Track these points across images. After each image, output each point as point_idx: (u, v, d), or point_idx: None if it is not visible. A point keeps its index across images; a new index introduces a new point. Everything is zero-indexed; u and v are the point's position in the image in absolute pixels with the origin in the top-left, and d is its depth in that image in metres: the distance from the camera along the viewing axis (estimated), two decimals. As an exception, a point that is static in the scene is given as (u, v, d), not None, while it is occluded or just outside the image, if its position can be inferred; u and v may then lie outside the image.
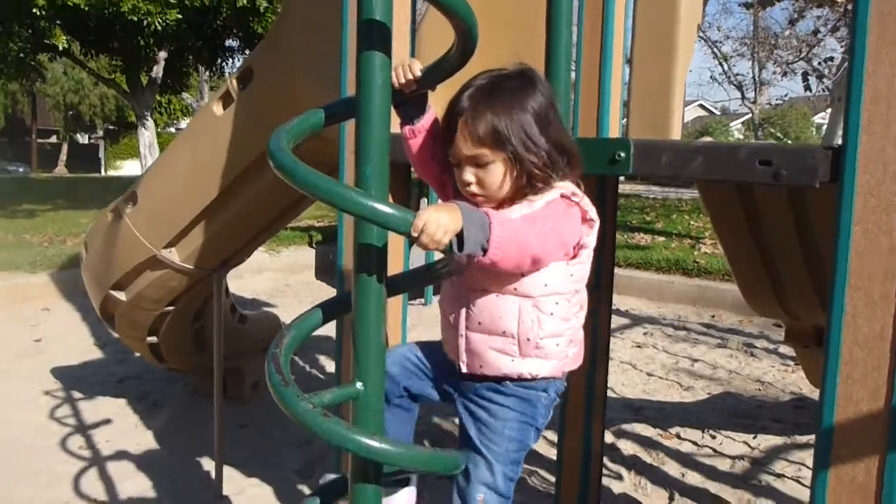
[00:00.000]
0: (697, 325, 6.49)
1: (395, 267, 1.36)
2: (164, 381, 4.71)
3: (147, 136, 13.56)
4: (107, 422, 4.06)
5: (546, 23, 1.55)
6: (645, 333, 6.20)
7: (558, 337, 1.34)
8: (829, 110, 14.62)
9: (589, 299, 1.44)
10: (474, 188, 1.31)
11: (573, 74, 2.08)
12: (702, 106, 38.23)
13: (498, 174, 1.30)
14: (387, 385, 1.42)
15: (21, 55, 11.84)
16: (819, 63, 12.09)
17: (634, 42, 2.20)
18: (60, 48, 10.83)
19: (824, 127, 22.47)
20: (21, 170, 33.62)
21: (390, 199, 1.17)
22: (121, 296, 3.44)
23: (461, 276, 1.36)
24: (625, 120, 2.30)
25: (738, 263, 3.02)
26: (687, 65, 2.31)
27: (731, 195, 2.48)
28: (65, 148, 38.76)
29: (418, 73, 1.28)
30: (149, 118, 13.70)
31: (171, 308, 3.55)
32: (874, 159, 1.27)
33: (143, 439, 3.85)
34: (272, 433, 3.87)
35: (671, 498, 3.27)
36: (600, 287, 2.23)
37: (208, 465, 3.51)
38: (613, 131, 2.23)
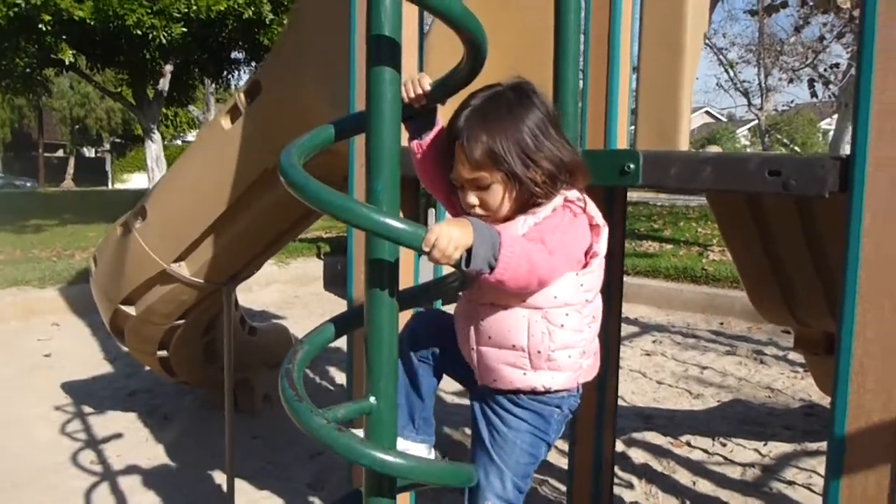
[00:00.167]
0: (706, 332, 6.48)
1: (405, 280, 1.36)
2: (174, 395, 4.72)
3: (154, 149, 13.63)
4: (118, 436, 4.08)
5: (554, 31, 1.56)
6: (654, 341, 6.19)
7: (571, 349, 1.33)
8: (835, 116, 14.60)
9: (600, 308, 1.43)
10: (478, 210, 1.31)
11: (580, 83, 2.09)
12: (708, 113, 38.20)
13: (499, 194, 1.29)
14: (415, 344, 1.42)
15: (27, 70, 11.94)
16: (825, 69, 12.07)
17: (641, 50, 2.20)
18: (67, 62, 10.90)
19: (831, 133, 22.41)
20: (28, 184, 33.80)
21: (401, 214, 1.18)
22: (130, 310, 3.46)
23: (471, 291, 1.36)
24: (632, 127, 2.30)
25: (747, 271, 3.01)
26: (694, 72, 2.31)
27: (739, 204, 2.48)
28: (72, 162, 38.95)
29: (427, 88, 1.29)
30: (155, 131, 13.77)
31: (180, 322, 3.56)
32: (884, 170, 1.27)
33: (154, 453, 3.86)
34: (283, 446, 3.88)
35: (683, 507, 3.27)
36: (610, 296, 2.23)
37: (220, 478, 3.52)
38: (621, 139, 2.24)
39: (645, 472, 3.60)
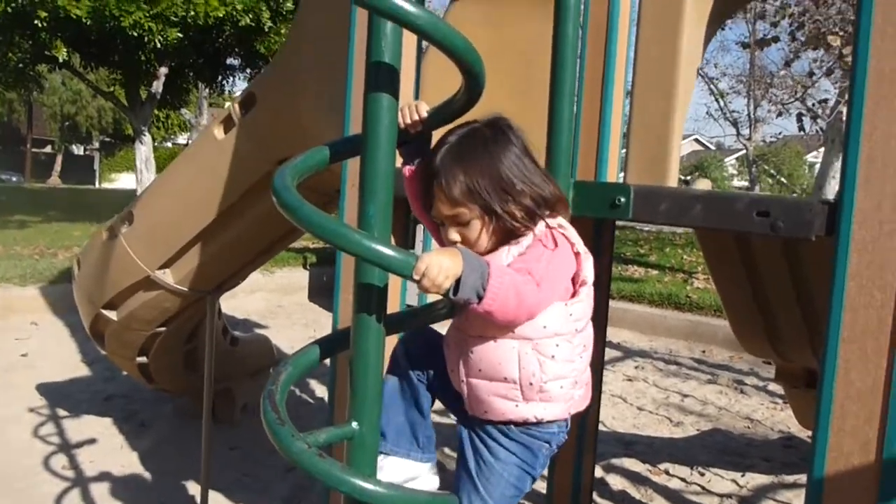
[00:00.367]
0: (688, 359, 6.50)
1: (392, 303, 1.36)
2: (151, 402, 4.67)
3: (144, 150, 13.55)
4: (92, 441, 4.03)
5: (552, 66, 1.57)
6: (636, 367, 6.21)
7: (563, 379, 1.32)
8: (822, 150, 14.79)
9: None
10: (460, 247, 1.31)
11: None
12: (697, 140, 38.57)
13: (478, 230, 1.30)
14: (411, 361, 1.41)
15: (20, 65, 11.86)
16: (813, 104, 12.24)
17: (635, 84, 2.22)
18: (61, 60, 10.84)
19: (817, 166, 22.67)
20: (14, 179, 33.54)
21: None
22: (112, 315, 3.43)
23: (460, 321, 1.36)
24: (624, 151, 2.32)
25: (731, 304, 3.03)
26: (686, 108, 2.34)
27: (727, 240, 2.50)
28: (59, 159, 38.70)
29: (424, 115, 1.30)
30: (146, 133, 13.70)
31: (162, 329, 3.53)
32: (870, 216, 1.29)
33: (128, 460, 3.82)
34: (260, 458, 3.85)
35: (659, 536, 3.26)
36: (596, 323, 2.22)
37: (194, 489, 3.48)
38: (612, 171, 2.25)
39: (623, 500, 3.60)
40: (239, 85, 15.50)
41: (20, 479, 3.49)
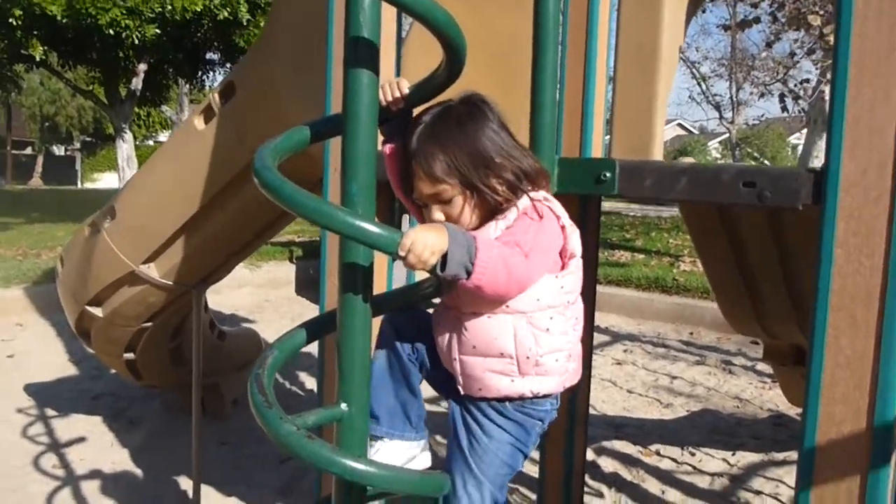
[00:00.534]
0: (676, 342, 6.53)
1: (378, 284, 1.35)
2: (140, 399, 4.64)
3: (125, 148, 13.43)
4: (81, 440, 4.00)
5: (533, 43, 1.56)
6: (625, 350, 6.23)
7: (558, 352, 1.32)
8: (804, 131, 14.87)
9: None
10: (446, 223, 1.30)
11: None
12: (680, 125, 38.68)
13: (460, 206, 1.29)
14: (400, 339, 1.39)
15: (-3, 66, 11.73)
16: (795, 85, 12.29)
17: (617, 61, 2.21)
18: (37, 59, 10.71)
19: (800, 147, 22.80)
20: (-5, 181, 33.16)
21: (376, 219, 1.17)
22: (97, 312, 3.39)
23: (451, 300, 1.34)
24: (608, 137, 2.31)
25: (719, 283, 3.04)
26: (670, 84, 2.33)
27: (712, 215, 2.50)
28: (40, 160, 38.26)
29: (406, 92, 1.28)
30: (127, 131, 13.58)
31: (148, 324, 3.50)
32: (856, 183, 1.29)
33: (118, 458, 3.79)
34: (251, 451, 3.83)
35: (652, 516, 3.28)
36: (584, 300, 2.23)
37: (186, 484, 3.46)
38: (597, 148, 2.24)
39: (615, 481, 3.61)
40: (219, 80, 15.35)
41: (10, 480, 3.45)
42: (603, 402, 4.87)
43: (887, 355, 1.30)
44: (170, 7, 9.81)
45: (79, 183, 36.74)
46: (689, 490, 3.54)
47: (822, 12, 8.40)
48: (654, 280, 7.67)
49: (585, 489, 3.05)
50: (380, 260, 1.73)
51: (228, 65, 13.04)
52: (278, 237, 9.01)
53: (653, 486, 3.59)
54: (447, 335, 1.35)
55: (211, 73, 14.06)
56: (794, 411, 4.50)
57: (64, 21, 9.56)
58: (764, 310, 2.94)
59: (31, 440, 3.98)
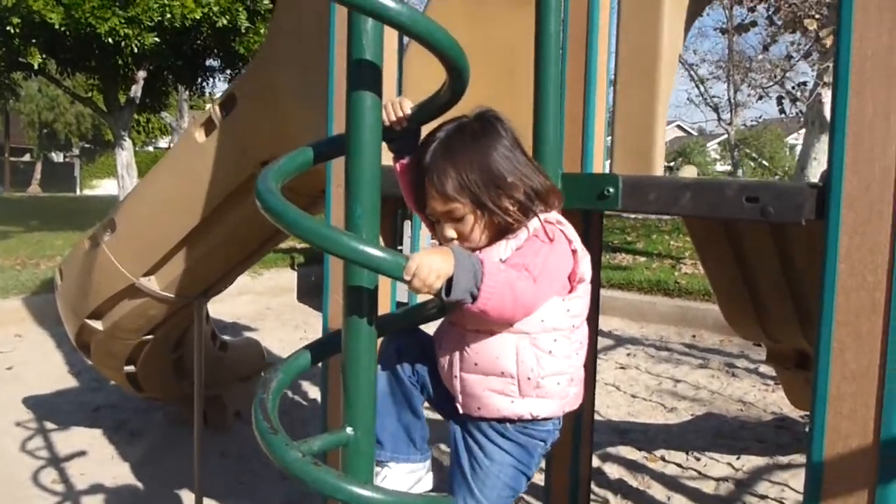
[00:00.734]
0: (679, 345, 6.53)
1: (382, 303, 1.34)
2: (141, 410, 4.63)
3: (125, 155, 13.40)
4: (81, 453, 3.98)
5: (535, 60, 1.55)
6: (628, 354, 6.22)
7: (560, 375, 1.31)
8: (802, 131, 14.87)
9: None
10: (456, 243, 1.30)
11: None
12: (679, 127, 38.67)
13: (471, 224, 1.29)
14: (402, 361, 1.38)
15: (-5, 73, 11.71)
16: (793, 87, 12.30)
17: (617, 72, 2.21)
18: (36, 66, 10.69)
19: (797, 147, 22.82)
20: (-7, 189, 33.13)
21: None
22: (97, 325, 3.38)
23: (455, 316, 1.34)
24: (609, 138, 2.31)
25: (721, 288, 3.04)
26: (669, 93, 2.33)
27: (715, 225, 2.49)
28: (39, 167, 38.24)
29: (408, 112, 1.28)
30: (126, 138, 13.54)
31: (149, 337, 3.49)
32: (859, 198, 1.28)
33: (119, 471, 3.77)
34: (254, 464, 3.82)
35: (657, 523, 3.27)
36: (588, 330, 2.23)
37: (188, 498, 3.45)
38: (597, 162, 2.24)
39: (620, 488, 3.61)
40: (219, 86, 15.39)
41: (10, 495, 3.44)
42: (607, 407, 4.86)
43: (893, 369, 1.30)
44: (169, 15, 9.79)
45: (78, 190, 36.70)
46: (695, 496, 3.53)
47: (817, 16, 8.41)
48: (656, 283, 7.67)
49: (591, 497, 3.05)
50: (383, 277, 1.72)
51: (228, 71, 13.02)
52: (279, 244, 9.00)
53: (658, 492, 3.58)
54: (449, 351, 1.34)
55: (211, 79, 14.01)
56: (797, 413, 4.50)
57: (62, 29, 9.55)
58: (766, 314, 2.93)
59: (31, 454, 3.97)
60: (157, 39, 9.94)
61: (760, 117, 23.83)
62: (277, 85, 2.68)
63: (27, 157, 39.74)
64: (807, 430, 4.26)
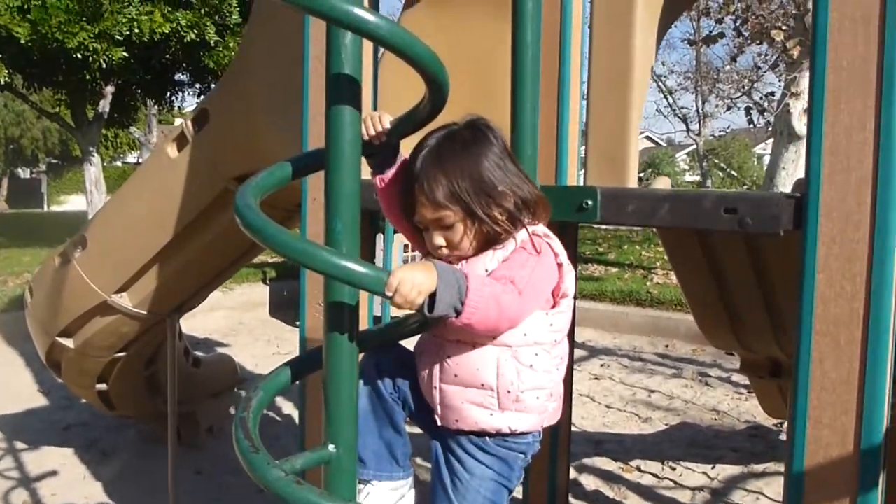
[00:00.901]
0: (652, 355, 6.57)
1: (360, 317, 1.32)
2: (113, 429, 4.54)
3: (93, 171, 13.19)
4: (52, 473, 3.89)
5: (511, 73, 1.56)
6: (602, 365, 6.25)
7: (539, 390, 1.30)
8: (769, 141, 15.13)
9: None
10: (445, 251, 1.29)
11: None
12: (648, 138, 39.09)
13: (461, 233, 1.28)
14: (381, 377, 1.37)
15: (-41, 90, 11.48)
16: (760, 97, 12.52)
17: (590, 83, 2.23)
18: (2, 82, 10.51)
19: (765, 157, 23.19)
20: (-42, 205, 32.47)
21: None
22: (68, 343, 3.32)
23: (437, 327, 1.32)
24: (583, 148, 2.31)
25: (694, 298, 3.06)
26: (641, 106, 2.35)
27: (688, 235, 2.52)
28: (5, 183, 37.57)
29: (388, 126, 1.26)
30: (94, 153, 13.34)
31: (121, 354, 3.43)
32: (836, 208, 1.30)
33: (91, 491, 3.69)
34: (228, 480, 3.76)
35: (636, 535, 3.27)
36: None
37: (162, 517, 3.38)
38: (572, 169, 2.25)
39: (597, 499, 3.61)
40: (188, 101, 15.24)
41: (-22, 519, 3.35)
42: (582, 418, 4.86)
43: (872, 378, 1.31)
44: (137, 30, 9.69)
45: (45, 206, 36.10)
46: (672, 506, 3.55)
47: (784, 27, 8.57)
48: (629, 293, 7.72)
49: (569, 510, 3.04)
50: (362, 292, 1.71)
51: (198, 86, 12.90)
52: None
53: (635, 502, 3.59)
54: (430, 362, 1.33)
55: (179, 94, 13.87)
56: (770, 422, 4.54)
57: (29, 44, 9.40)
58: (740, 324, 2.96)
59: (1, 475, 3.87)
60: (125, 54, 9.82)
61: (729, 127, 24.20)
62: (249, 99, 2.66)
63: (-8, 173, 39.02)
64: (781, 437, 4.29)
